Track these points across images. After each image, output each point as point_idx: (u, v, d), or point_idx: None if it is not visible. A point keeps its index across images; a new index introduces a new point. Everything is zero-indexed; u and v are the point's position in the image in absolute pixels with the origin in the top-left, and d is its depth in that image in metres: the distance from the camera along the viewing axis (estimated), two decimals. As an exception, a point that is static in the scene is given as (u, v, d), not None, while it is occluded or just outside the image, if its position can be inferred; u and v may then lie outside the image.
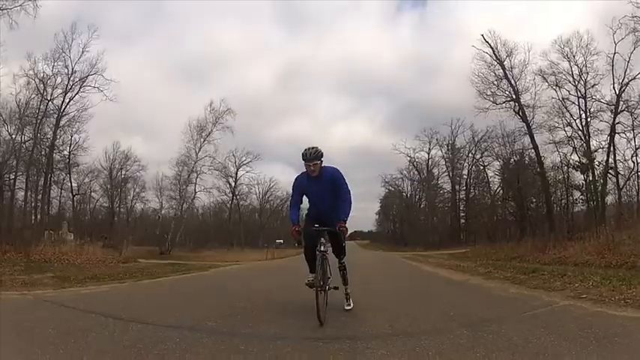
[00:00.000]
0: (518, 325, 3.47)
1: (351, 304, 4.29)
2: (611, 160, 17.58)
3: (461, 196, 33.13)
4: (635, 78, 16.66)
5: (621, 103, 17.07)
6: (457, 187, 33.30)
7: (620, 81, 17.06)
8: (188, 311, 4.57)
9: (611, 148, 16.99)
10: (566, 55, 18.64)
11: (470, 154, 31.17)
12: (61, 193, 27.41)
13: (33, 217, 21.86)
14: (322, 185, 4.04)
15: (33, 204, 21.87)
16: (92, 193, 29.76)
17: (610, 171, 17.78)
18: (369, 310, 4.31)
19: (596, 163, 17.39)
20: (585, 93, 18.30)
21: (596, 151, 17.21)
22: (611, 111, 16.98)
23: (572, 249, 10.04)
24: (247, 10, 54.21)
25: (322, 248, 3.91)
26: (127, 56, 41.92)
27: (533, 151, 19.09)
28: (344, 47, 55.08)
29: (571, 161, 18.35)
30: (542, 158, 19.34)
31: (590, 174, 17.25)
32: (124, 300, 5.75)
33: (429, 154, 33.13)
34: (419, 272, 10.72)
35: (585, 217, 17.37)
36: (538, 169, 18.66)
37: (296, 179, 4.18)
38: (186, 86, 46.71)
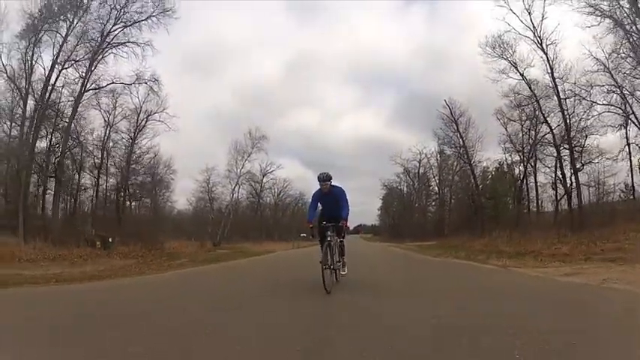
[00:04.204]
0: (414, 264, 11.85)
1: (346, 271, 6.72)
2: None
3: (446, 197, 39.77)
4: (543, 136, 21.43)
5: (536, 153, 21.99)
6: (444, 189, 40.04)
7: (533, 139, 22.01)
8: (300, 267, 11.82)
9: (527, 186, 22.96)
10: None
11: (454, 163, 37.58)
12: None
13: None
14: (331, 198, 6.24)
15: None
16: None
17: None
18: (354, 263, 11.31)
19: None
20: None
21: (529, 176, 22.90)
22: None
23: (485, 241, 16.69)
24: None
25: (329, 238, 5.95)
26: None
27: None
28: (354, 37, 56.00)
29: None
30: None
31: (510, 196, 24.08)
32: (256, 266, 13.27)
33: (419, 162, 39.71)
34: (389, 251, 19.60)
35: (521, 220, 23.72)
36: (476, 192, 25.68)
37: (316, 193, 6.43)
38: (190, 76, 47.15)
